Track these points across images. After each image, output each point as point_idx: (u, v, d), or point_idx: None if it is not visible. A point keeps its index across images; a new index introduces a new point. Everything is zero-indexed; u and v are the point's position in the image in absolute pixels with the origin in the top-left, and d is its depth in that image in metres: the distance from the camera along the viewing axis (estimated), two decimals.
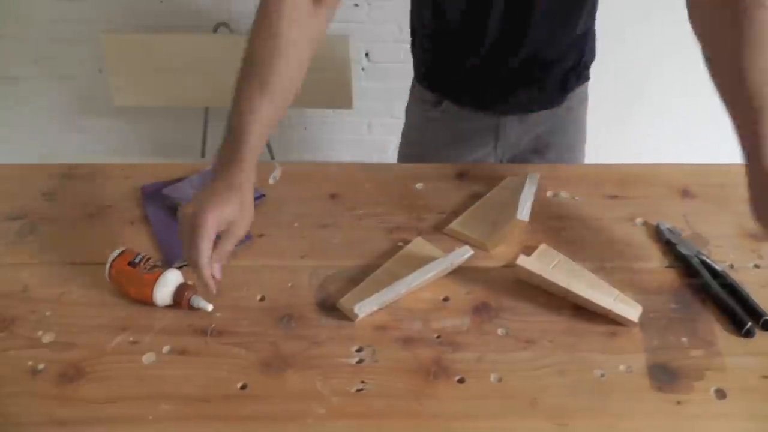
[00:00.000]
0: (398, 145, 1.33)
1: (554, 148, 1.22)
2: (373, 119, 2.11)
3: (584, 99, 1.23)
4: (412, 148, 1.29)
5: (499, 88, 1.13)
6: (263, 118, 0.80)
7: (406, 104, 1.29)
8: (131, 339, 0.81)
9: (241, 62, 0.85)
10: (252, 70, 0.83)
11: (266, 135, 0.82)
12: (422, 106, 1.23)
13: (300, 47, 0.84)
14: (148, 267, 0.84)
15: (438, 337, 0.80)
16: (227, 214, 0.76)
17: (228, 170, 0.79)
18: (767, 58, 0.76)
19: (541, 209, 0.99)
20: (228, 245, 0.78)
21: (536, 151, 1.21)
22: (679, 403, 0.72)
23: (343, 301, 0.84)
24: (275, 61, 0.82)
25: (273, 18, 0.83)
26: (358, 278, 0.88)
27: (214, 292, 0.79)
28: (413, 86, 1.27)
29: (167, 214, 0.99)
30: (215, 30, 1.86)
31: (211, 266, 0.77)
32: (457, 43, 1.09)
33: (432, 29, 1.12)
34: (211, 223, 0.75)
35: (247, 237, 0.95)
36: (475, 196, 1.02)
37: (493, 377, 0.76)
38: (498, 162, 1.22)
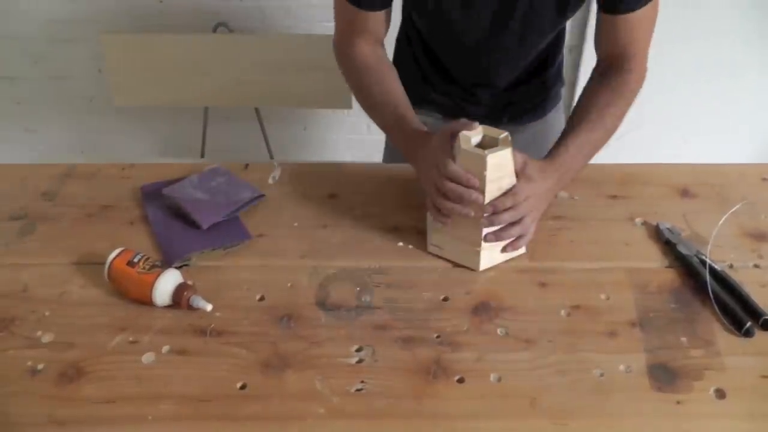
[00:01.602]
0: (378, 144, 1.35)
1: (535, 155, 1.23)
2: None
3: (560, 107, 1.27)
4: (392, 150, 1.31)
5: (471, 104, 1.17)
6: (407, 107, 1.00)
7: None
8: (131, 339, 0.81)
9: (366, 102, 1.05)
10: (372, 100, 1.03)
11: (401, 109, 0.99)
12: None
13: (389, 70, 1.05)
14: (147, 267, 0.84)
15: (438, 337, 0.80)
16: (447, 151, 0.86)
17: (414, 139, 0.94)
18: (607, 116, 0.94)
19: None
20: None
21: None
22: (678, 403, 0.72)
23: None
24: (387, 81, 1.03)
25: (365, 63, 1.04)
26: (359, 278, 0.88)
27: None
28: None
29: (167, 214, 0.99)
30: (215, 30, 1.86)
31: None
32: (432, 67, 1.14)
33: (416, 48, 1.17)
34: (456, 167, 0.85)
35: (247, 237, 0.95)
36: None
37: (492, 377, 0.76)
38: None
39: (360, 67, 1.03)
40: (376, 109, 1.02)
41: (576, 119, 0.95)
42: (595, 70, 1.01)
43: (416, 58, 1.17)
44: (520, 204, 0.85)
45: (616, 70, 0.97)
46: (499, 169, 0.83)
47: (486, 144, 0.86)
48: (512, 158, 0.84)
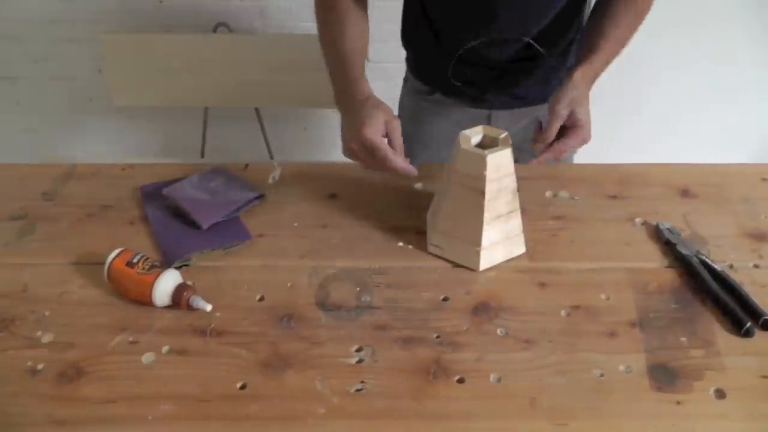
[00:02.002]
0: None
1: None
2: None
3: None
4: (405, 139, 1.30)
5: (487, 84, 1.14)
6: (357, 60, 0.99)
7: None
8: (131, 339, 0.81)
9: (321, 43, 1.06)
10: (330, 41, 1.03)
11: (352, 62, 0.99)
12: (415, 97, 1.24)
13: (360, 19, 1.04)
14: (147, 267, 0.84)
15: (438, 337, 0.80)
16: (379, 120, 0.90)
17: (353, 97, 0.95)
18: (622, 29, 1.00)
19: (541, 209, 0.99)
20: (397, 137, 0.91)
21: (528, 142, 1.21)
22: (678, 403, 0.72)
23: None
24: (346, 31, 1.01)
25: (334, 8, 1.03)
26: (359, 278, 0.88)
27: (416, 173, 0.91)
28: (406, 79, 1.29)
29: (167, 214, 0.99)
30: (215, 30, 1.86)
31: (399, 159, 0.89)
32: (450, 27, 1.11)
33: (423, 23, 1.15)
34: (375, 135, 0.88)
35: (247, 237, 0.95)
36: None
37: (492, 377, 0.76)
38: None
39: (339, 18, 1.03)
40: (331, 56, 1.03)
41: (595, 34, 1.00)
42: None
43: (431, 42, 1.16)
44: (586, 134, 0.93)
45: None
46: (499, 168, 0.83)
47: (486, 144, 0.86)
48: (512, 159, 0.85)
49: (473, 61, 1.11)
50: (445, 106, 1.20)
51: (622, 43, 1.01)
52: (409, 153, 1.27)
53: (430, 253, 0.92)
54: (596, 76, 1.00)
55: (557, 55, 1.13)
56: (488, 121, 1.18)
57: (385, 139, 0.90)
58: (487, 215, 0.86)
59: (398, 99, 1.32)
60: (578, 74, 0.96)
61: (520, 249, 0.92)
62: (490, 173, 0.83)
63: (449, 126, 1.22)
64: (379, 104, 0.92)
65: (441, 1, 1.10)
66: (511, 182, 0.86)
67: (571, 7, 1.06)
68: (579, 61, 1.00)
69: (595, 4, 1.05)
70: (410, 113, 1.28)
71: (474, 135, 0.86)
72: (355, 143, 0.90)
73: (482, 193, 0.84)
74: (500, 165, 0.83)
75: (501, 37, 1.07)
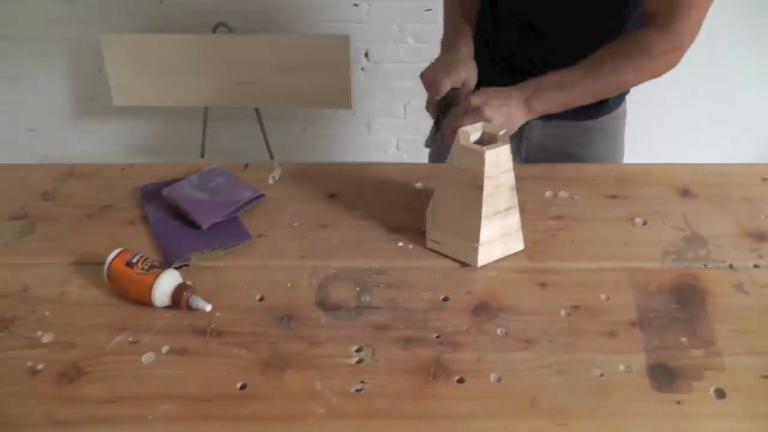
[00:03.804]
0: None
1: (585, 159, 1.18)
2: (373, 119, 2.11)
3: (621, 116, 1.20)
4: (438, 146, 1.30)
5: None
6: (460, 17, 1.12)
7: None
8: (131, 339, 0.81)
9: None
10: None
11: (465, 26, 1.10)
12: None
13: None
14: (146, 267, 0.84)
15: (438, 337, 0.80)
16: (452, 72, 0.98)
17: (453, 48, 1.05)
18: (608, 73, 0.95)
19: (541, 209, 0.99)
20: (468, 86, 1.00)
21: (563, 161, 1.19)
22: (678, 403, 0.72)
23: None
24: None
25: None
26: (359, 278, 0.88)
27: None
28: None
29: (167, 214, 0.99)
30: (215, 30, 1.86)
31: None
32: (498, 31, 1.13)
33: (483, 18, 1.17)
34: (440, 82, 0.97)
35: (247, 237, 0.95)
36: None
37: (492, 377, 0.76)
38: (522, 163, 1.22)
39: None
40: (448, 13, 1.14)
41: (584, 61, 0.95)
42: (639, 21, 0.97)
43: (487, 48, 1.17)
44: (476, 109, 0.90)
45: (648, 24, 0.91)
46: (497, 165, 0.84)
47: (485, 141, 0.86)
48: (510, 155, 0.85)
49: (517, 68, 1.11)
50: None
51: (601, 88, 0.96)
52: (442, 158, 1.27)
53: (429, 249, 0.92)
54: (546, 97, 0.94)
55: None
56: (521, 131, 1.16)
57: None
58: (485, 211, 0.86)
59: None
60: (522, 85, 0.95)
61: (518, 246, 0.92)
62: (489, 169, 0.83)
63: None
64: (464, 63, 1.01)
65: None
66: (509, 179, 0.86)
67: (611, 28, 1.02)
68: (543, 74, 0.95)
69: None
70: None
71: (473, 132, 0.86)
72: (435, 72, 0.98)
73: (480, 189, 0.84)
74: (498, 161, 0.84)
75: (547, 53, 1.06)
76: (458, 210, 0.88)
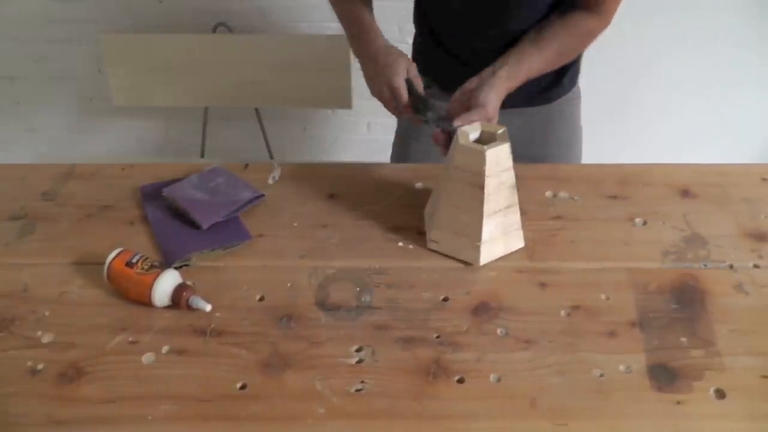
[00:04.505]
0: (392, 144, 1.34)
1: (549, 144, 1.22)
2: (373, 119, 2.11)
3: (576, 98, 1.24)
4: (403, 142, 1.31)
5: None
6: (360, 10, 1.07)
7: None
8: (131, 339, 0.81)
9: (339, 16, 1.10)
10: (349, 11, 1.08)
11: (368, 16, 1.07)
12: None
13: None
14: (146, 267, 0.84)
15: (438, 337, 0.80)
16: (396, 68, 0.96)
17: (366, 51, 1.02)
18: (566, 48, 1.02)
19: (541, 209, 0.99)
20: (416, 76, 0.98)
21: (531, 143, 1.21)
22: (679, 403, 0.72)
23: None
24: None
25: None
26: (359, 278, 0.88)
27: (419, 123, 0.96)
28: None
29: (167, 214, 0.99)
30: (215, 30, 1.86)
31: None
32: (450, 27, 1.12)
33: (430, 13, 1.16)
34: (399, 83, 0.95)
35: (247, 237, 0.95)
36: None
37: (492, 377, 0.76)
38: None
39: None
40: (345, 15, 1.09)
41: (525, 39, 1.00)
42: (564, 4, 1.02)
43: (432, 40, 1.18)
44: (489, 113, 0.91)
45: (582, 7, 0.99)
46: (498, 163, 0.84)
47: (484, 139, 0.86)
48: (510, 154, 0.85)
49: (470, 59, 1.11)
50: (441, 98, 1.20)
51: (557, 60, 1.03)
52: (404, 150, 1.29)
53: (430, 250, 0.92)
54: (519, 80, 0.99)
55: None
56: None
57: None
58: (486, 210, 0.86)
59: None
60: (503, 71, 0.96)
61: (519, 243, 0.92)
62: (489, 168, 0.83)
63: None
64: (394, 52, 0.99)
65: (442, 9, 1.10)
66: (509, 177, 0.86)
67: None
68: (512, 58, 0.98)
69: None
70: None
71: (472, 131, 0.86)
72: (386, 90, 0.97)
73: (481, 187, 0.84)
74: (499, 160, 0.84)
75: (502, 38, 1.07)
76: (459, 209, 0.88)
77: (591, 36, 1.02)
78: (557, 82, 1.18)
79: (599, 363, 0.77)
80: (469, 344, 0.79)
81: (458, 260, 0.91)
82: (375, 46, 1.02)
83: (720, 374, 0.75)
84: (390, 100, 0.98)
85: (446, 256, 0.92)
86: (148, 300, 0.83)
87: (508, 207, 0.89)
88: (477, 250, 0.89)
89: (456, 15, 1.09)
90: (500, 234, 0.90)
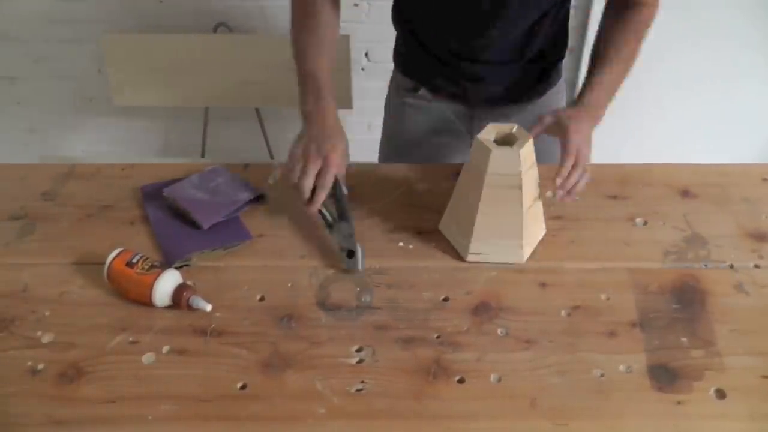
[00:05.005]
0: (378, 144, 1.35)
1: (541, 138, 1.22)
2: (373, 119, 2.11)
3: (561, 90, 1.25)
4: (390, 141, 1.31)
5: (470, 81, 1.14)
6: (325, 69, 1.01)
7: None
8: (131, 339, 0.81)
9: (292, 45, 1.07)
10: (304, 42, 1.05)
11: (331, 79, 1.02)
12: (399, 93, 1.25)
13: (332, 24, 1.07)
14: (146, 267, 0.84)
15: (438, 337, 0.80)
16: (342, 149, 0.94)
17: (321, 114, 0.97)
18: (624, 50, 0.99)
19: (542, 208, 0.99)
20: (342, 169, 0.94)
21: None
22: (679, 403, 0.72)
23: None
24: (320, 32, 1.05)
25: (309, 10, 1.05)
26: (359, 278, 0.88)
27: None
28: (393, 76, 1.29)
29: (167, 214, 0.99)
30: (215, 30, 1.86)
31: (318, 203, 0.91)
32: (432, 31, 1.11)
33: (410, 16, 1.15)
34: (338, 162, 0.92)
35: (247, 237, 0.95)
36: None
37: (493, 377, 0.76)
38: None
39: (311, 15, 1.05)
40: (302, 50, 1.05)
41: (597, 60, 0.99)
42: (608, 6, 1.03)
43: (414, 41, 1.17)
44: (579, 156, 0.88)
45: (629, 3, 0.99)
46: (526, 160, 0.85)
47: (499, 140, 0.86)
48: (533, 148, 0.86)
49: (455, 63, 1.12)
50: (428, 103, 1.21)
51: (627, 63, 1.00)
52: (392, 150, 1.29)
53: (469, 262, 0.91)
54: (602, 100, 0.97)
55: (536, 58, 1.13)
56: (471, 119, 1.19)
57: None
58: (524, 207, 0.87)
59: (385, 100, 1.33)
60: (580, 102, 0.95)
61: (543, 231, 0.94)
62: (523, 166, 0.84)
63: (431, 122, 1.22)
64: (343, 136, 0.98)
65: (424, 12, 1.10)
66: (535, 170, 0.88)
67: (553, 9, 1.06)
68: (583, 88, 0.98)
69: (597, 31, 1.04)
70: (394, 111, 1.28)
71: (489, 135, 0.86)
72: (314, 156, 0.91)
73: (519, 188, 0.84)
74: (526, 156, 0.85)
75: (487, 43, 1.07)
76: (498, 214, 0.87)
77: (648, 26, 1.02)
78: (546, 76, 1.18)
79: (599, 363, 0.77)
80: (470, 344, 0.79)
81: (497, 263, 0.90)
82: (331, 111, 0.99)
83: (720, 374, 0.75)
84: (309, 167, 0.90)
85: (442, 255, 0.92)
86: (148, 300, 0.83)
87: (535, 199, 0.90)
88: (521, 249, 0.89)
89: (436, 22, 1.08)
90: (534, 226, 0.91)
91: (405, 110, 1.24)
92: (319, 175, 0.90)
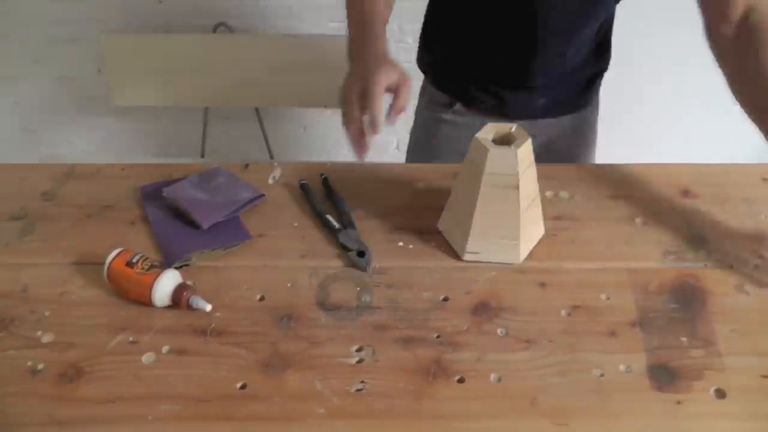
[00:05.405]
0: (406, 147, 1.34)
1: (564, 152, 1.22)
2: None
3: (595, 108, 1.24)
4: (422, 151, 1.29)
5: (511, 96, 1.13)
6: (380, 19, 0.96)
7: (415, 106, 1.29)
8: (131, 339, 0.81)
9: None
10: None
11: (382, 18, 0.96)
12: (433, 109, 1.23)
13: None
14: (146, 267, 0.84)
15: (438, 337, 0.80)
16: (391, 76, 0.86)
17: (374, 51, 0.90)
18: None
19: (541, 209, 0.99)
20: (404, 94, 0.86)
21: (547, 152, 1.20)
22: (679, 403, 0.72)
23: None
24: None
25: None
26: (359, 278, 0.88)
27: (362, 158, 0.87)
28: (423, 88, 1.27)
29: (167, 214, 0.99)
30: (215, 30, 1.86)
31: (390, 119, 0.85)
32: (472, 46, 1.10)
33: (451, 28, 1.12)
34: (380, 85, 0.84)
35: (247, 237, 0.95)
36: None
37: (493, 377, 0.76)
38: None
39: None
40: (356, 9, 0.98)
41: (758, 91, 0.90)
42: (737, 33, 0.91)
43: (451, 46, 1.14)
44: None
45: (758, 16, 0.89)
46: (524, 160, 0.85)
47: (498, 141, 0.86)
48: (531, 147, 0.86)
49: (497, 73, 1.11)
50: (464, 118, 1.19)
51: None
52: (428, 160, 1.27)
53: (466, 261, 0.91)
54: None
55: (580, 66, 1.12)
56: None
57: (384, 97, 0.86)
58: (522, 207, 0.87)
59: (414, 111, 1.31)
60: None
61: (541, 231, 0.94)
62: (520, 166, 0.84)
63: (468, 135, 1.21)
64: (396, 64, 0.89)
65: (478, 11, 1.06)
66: (533, 170, 0.88)
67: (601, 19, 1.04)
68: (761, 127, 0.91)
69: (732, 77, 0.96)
70: (427, 125, 1.26)
71: (487, 135, 0.86)
72: (358, 87, 0.86)
73: (516, 187, 0.84)
74: (524, 156, 0.85)
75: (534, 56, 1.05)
76: (496, 214, 0.87)
77: None
78: (589, 88, 1.17)
79: (599, 363, 0.77)
80: (469, 344, 0.79)
81: (494, 262, 0.90)
82: (375, 43, 0.93)
83: (720, 374, 0.75)
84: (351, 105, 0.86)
85: (450, 256, 0.92)
86: (148, 300, 0.83)
87: (533, 199, 0.90)
88: (517, 248, 0.89)
89: (485, 37, 1.06)
90: (531, 226, 0.91)
91: (438, 125, 1.22)
92: (367, 102, 0.84)
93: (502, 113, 1.16)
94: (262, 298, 0.86)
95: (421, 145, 1.30)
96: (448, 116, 1.20)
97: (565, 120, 1.19)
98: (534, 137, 1.07)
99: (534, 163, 0.88)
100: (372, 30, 0.94)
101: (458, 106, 1.18)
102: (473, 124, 1.18)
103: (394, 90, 0.86)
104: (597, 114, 1.26)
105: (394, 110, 0.86)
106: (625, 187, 1.04)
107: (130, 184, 1.06)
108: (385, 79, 0.85)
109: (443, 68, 1.19)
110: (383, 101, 0.84)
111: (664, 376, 0.75)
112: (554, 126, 1.17)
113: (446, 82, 1.19)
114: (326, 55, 1.70)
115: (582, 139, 1.25)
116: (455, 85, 1.18)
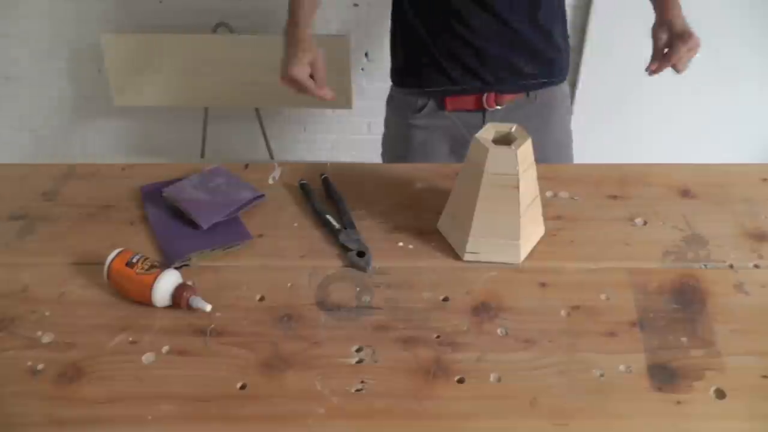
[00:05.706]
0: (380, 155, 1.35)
1: (540, 145, 1.23)
2: (373, 119, 2.11)
3: (565, 98, 1.26)
4: (396, 158, 1.31)
5: (483, 40, 1.15)
6: (308, 8, 1.13)
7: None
8: (131, 339, 0.81)
9: None
10: None
11: (311, 15, 1.14)
12: (402, 114, 1.25)
13: None
14: (146, 267, 0.84)
15: (438, 337, 0.80)
16: (303, 61, 1.06)
17: (295, 38, 1.11)
18: None
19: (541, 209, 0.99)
20: (319, 69, 1.08)
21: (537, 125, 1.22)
22: (679, 403, 0.72)
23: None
24: None
25: None
26: (359, 278, 0.88)
27: (333, 97, 1.06)
28: (390, 97, 1.30)
29: (167, 214, 0.99)
30: (215, 30, 1.86)
31: (320, 89, 1.06)
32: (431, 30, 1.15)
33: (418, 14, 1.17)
34: (300, 73, 1.05)
35: (247, 237, 0.95)
36: None
37: (492, 377, 0.76)
38: None
39: None
40: None
41: None
42: None
43: (414, 27, 1.19)
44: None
45: None
46: (525, 159, 0.85)
47: (498, 140, 0.86)
48: (531, 147, 0.87)
49: (463, 43, 1.14)
50: (435, 121, 1.21)
51: None
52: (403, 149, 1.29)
53: (468, 262, 0.91)
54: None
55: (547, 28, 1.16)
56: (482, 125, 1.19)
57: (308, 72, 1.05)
58: (522, 207, 0.86)
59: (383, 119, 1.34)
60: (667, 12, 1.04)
61: (541, 230, 0.94)
62: (520, 166, 0.84)
63: (441, 135, 1.22)
64: (308, 48, 1.07)
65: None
66: (533, 170, 0.88)
67: None
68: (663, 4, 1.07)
69: None
70: (398, 132, 1.28)
71: (487, 135, 0.86)
72: (285, 79, 1.06)
73: (517, 187, 0.84)
74: (525, 156, 0.85)
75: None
76: (496, 213, 0.87)
77: None
78: (557, 55, 1.20)
79: (599, 363, 0.77)
80: (469, 344, 0.79)
81: (494, 262, 0.90)
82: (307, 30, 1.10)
83: (720, 374, 0.75)
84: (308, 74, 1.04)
85: (449, 256, 0.92)
86: (148, 300, 0.83)
87: (534, 198, 0.90)
88: (517, 248, 0.89)
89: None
90: (531, 225, 0.91)
91: (410, 130, 1.24)
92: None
93: (478, 83, 1.17)
94: (262, 299, 0.86)
95: (395, 153, 1.31)
96: (418, 121, 1.22)
97: (540, 108, 1.21)
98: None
99: (534, 163, 0.88)
100: (298, 19, 1.12)
101: (428, 108, 1.19)
102: (446, 125, 1.19)
103: (312, 68, 1.05)
104: (568, 113, 1.28)
105: (318, 85, 1.05)
106: (625, 187, 1.04)
107: (130, 184, 1.06)
108: (298, 70, 1.05)
109: (411, 65, 1.22)
110: (310, 84, 1.05)
111: (664, 376, 0.75)
112: (532, 116, 1.19)
113: (415, 75, 1.22)
114: (326, 55, 1.70)
115: (557, 130, 1.27)
116: (425, 77, 1.20)
